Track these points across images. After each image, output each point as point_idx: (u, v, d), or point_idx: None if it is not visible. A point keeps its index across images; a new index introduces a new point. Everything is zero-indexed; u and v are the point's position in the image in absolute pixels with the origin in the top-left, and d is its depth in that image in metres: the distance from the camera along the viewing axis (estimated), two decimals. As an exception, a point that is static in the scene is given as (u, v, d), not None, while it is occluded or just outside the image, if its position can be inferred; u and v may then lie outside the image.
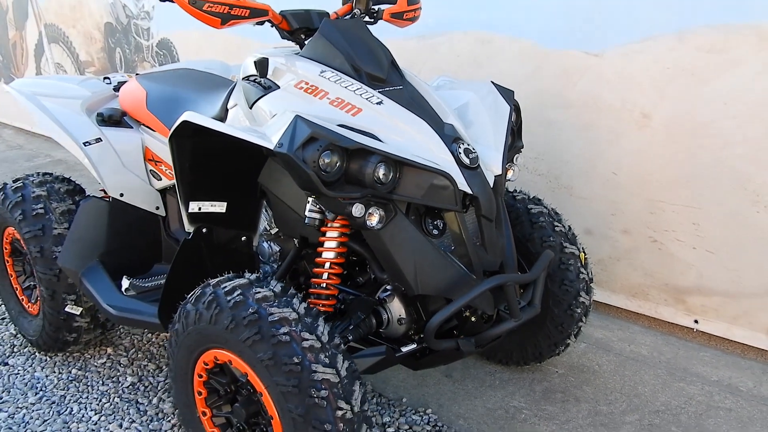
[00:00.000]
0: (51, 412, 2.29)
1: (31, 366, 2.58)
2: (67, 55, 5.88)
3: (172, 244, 2.48)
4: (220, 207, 2.01)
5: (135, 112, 2.49)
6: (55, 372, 2.53)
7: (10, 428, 2.21)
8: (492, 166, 1.81)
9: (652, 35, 2.47)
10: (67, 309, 2.40)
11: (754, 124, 2.29)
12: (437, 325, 1.68)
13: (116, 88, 2.68)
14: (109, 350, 2.67)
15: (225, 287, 1.63)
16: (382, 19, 2.21)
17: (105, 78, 2.81)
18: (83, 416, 2.27)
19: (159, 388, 2.42)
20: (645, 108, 2.54)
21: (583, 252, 2.24)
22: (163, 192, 2.48)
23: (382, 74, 1.87)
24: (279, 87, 1.88)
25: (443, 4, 3.07)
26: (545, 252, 1.95)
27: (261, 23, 1.98)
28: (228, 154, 1.94)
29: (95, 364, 2.58)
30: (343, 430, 1.49)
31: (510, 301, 1.77)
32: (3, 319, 2.94)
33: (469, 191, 1.70)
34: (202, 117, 1.73)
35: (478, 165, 1.76)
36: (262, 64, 1.92)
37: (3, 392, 2.41)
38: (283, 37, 2.10)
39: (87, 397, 2.37)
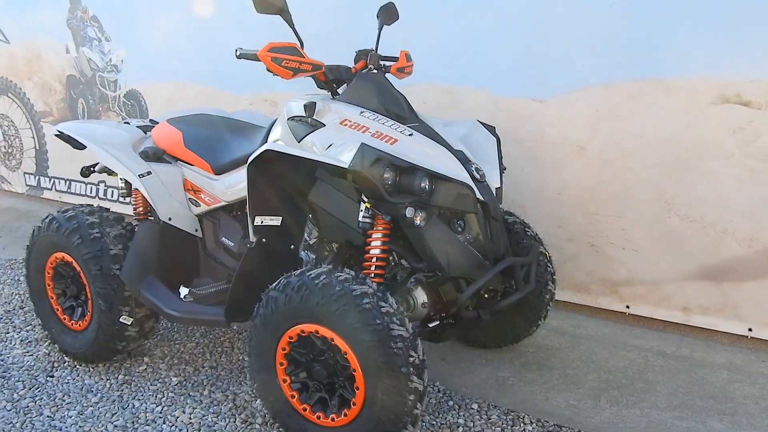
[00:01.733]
0: (116, 407, 2.64)
1: (78, 376, 2.89)
2: (17, 106, 6.07)
3: (209, 261, 2.91)
4: (276, 221, 2.50)
5: (173, 150, 2.93)
6: (102, 379, 2.86)
7: (85, 421, 2.55)
8: (492, 181, 2.43)
9: (585, 86, 3.22)
10: (121, 320, 2.77)
11: (665, 152, 3.06)
12: (467, 296, 2.25)
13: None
14: (146, 359, 3.03)
15: (310, 275, 2.14)
16: (389, 72, 2.80)
17: (125, 122, 3.23)
18: (146, 408, 2.63)
19: (205, 383, 2.81)
20: (581, 142, 3.27)
21: (547, 252, 2.89)
22: (200, 217, 2.93)
23: (404, 114, 2.46)
24: (324, 125, 2.43)
25: (426, 60, 3.72)
26: (534, 243, 2.58)
27: (313, 75, 2.50)
28: (284, 178, 2.45)
29: (137, 371, 2.94)
30: (413, 372, 2.02)
31: (516, 277, 2.38)
32: (30, 342, 3.21)
33: (482, 199, 2.32)
34: (283, 146, 2.25)
35: (485, 180, 2.38)
36: (310, 107, 2.45)
37: (63, 396, 2.72)
38: (319, 87, 2.63)
39: (142, 395, 2.73)
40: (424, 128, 2.44)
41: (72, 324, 2.95)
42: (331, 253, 2.65)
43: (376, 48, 2.76)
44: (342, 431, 2.16)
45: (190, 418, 2.55)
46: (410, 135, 2.34)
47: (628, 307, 3.32)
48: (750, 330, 3.01)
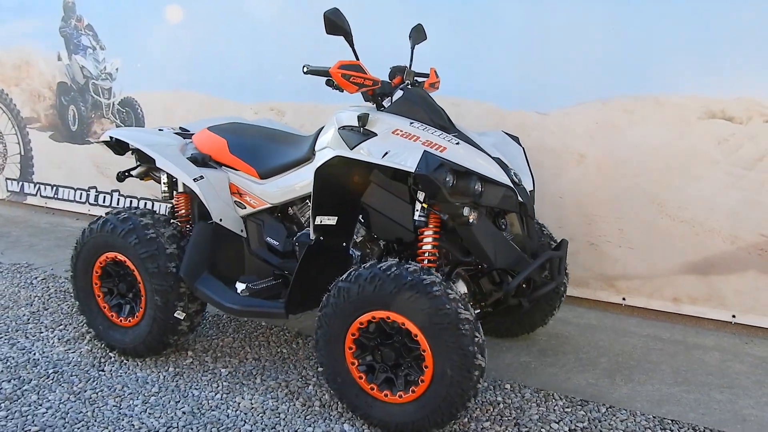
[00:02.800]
0: (177, 396, 2.81)
1: (129, 369, 3.04)
2: (2, 111, 6.05)
3: (253, 259, 3.12)
4: (332, 221, 2.74)
5: (219, 156, 3.13)
6: (154, 372, 3.02)
7: (153, 408, 2.72)
8: (526, 184, 2.75)
9: (584, 101, 3.59)
10: (175, 314, 2.95)
11: (657, 160, 3.45)
12: (515, 284, 2.56)
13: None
14: (190, 353, 3.20)
15: (381, 267, 2.40)
16: (408, 87, 3.06)
17: (160, 129, 3.41)
18: (206, 396, 2.81)
19: (254, 373, 3.02)
20: (581, 150, 3.64)
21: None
22: (244, 218, 3.13)
23: (446, 125, 2.75)
24: (376, 134, 2.69)
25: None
26: (563, 240, 2.91)
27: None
28: (341, 182, 2.69)
29: (184, 363, 3.11)
30: (477, 351, 2.30)
31: (552, 269, 2.70)
32: (69, 340, 3.33)
33: (521, 200, 2.63)
34: (350, 152, 2.50)
35: (521, 183, 2.69)
36: (363, 118, 2.71)
37: (122, 387, 2.88)
38: (366, 100, 2.88)
39: (198, 385, 2.91)
40: (463, 137, 2.74)
41: (120, 321, 3.10)
42: (376, 250, 2.91)
43: (410, 65, 3.04)
44: (409, 406, 2.42)
45: (252, 404, 2.75)
46: (457, 144, 2.63)
47: (624, 299, 3.70)
48: (734, 316, 3.43)
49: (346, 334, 2.48)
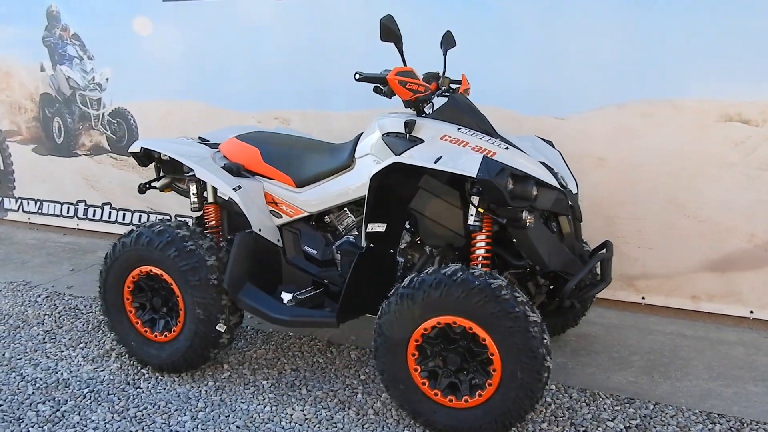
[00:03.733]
0: (226, 410, 2.75)
1: (167, 385, 2.96)
2: (-24, 123, 5.82)
3: (290, 269, 3.07)
4: (382, 227, 2.73)
5: (252, 165, 3.09)
6: (194, 387, 2.95)
7: (205, 424, 2.65)
8: (571, 187, 2.80)
9: (603, 106, 3.68)
10: (217, 327, 2.88)
11: (674, 163, 3.56)
12: (571, 286, 2.59)
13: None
14: (226, 366, 3.13)
15: (445, 272, 2.40)
16: (453, 93, 3.10)
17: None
18: (255, 409, 2.76)
19: (297, 384, 2.97)
20: (600, 154, 3.72)
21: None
22: (280, 228, 3.09)
23: (491, 130, 2.78)
24: (423, 140, 2.70)
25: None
26: (607, 241, 2.96)
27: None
28: (393, 189, 2.68)
29: (222, 377, 3.04)
30: (545, 353, 2.33)
31: (603, 270, 2.75)
32: (95, 359, 3.22)
33: (570, 203, 2.67)
34: (410, 158, 2.50)
35: (568, 186, 2.74)
36: (409, 125, 2.72)
37: (166, 404, 2.80)
38: (406, 106, 2.88)
39: (243, 398, 2.85)
40: (507, 142, 2.77)
41: (155, 336, 3.01)
42: (418, 256, 2.91)
43: (444, 71, 3.06)
44: (476, 410, 2.42)
45: (305, 415, 2.71)
46: (506, 148, 2.66)
47: (643, 298, 3.79)
48: (751, 312, 3.55)
49: (409, 340, 2.47)
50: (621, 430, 2.61)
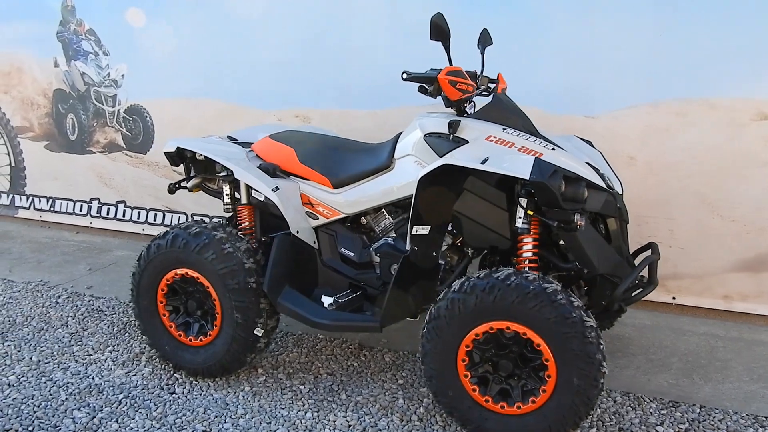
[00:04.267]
0: (266, 418, 2.70)
1: (203, 391, 2.90)
2: (-13, 119, 5.72)
3: (327, 271, 3.02)
4: (425, 230, 2.68)
5: (288, 166, 3.03)
6: (230, 392, 2.89)
7: (247, 431, 2.59)
8: (617, 188, 2.76)
9: (634, 104, 3.64)
10: (255, 332, 2.83)
11: (706, 163, 3.53)
12: (622, 290, 2.55)
13: None
14: (260, 371, 3.08)
15: (498, 276, 2.35)
16: (496, 92, 3.05)
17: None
18: (296, 416, 2.71)
19: (335, 389, 2.92)
20: (631, 153, 3.69)
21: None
22: (316, 229, 3.04)
23: (534, 130, 2.74)
24: (468, 141, 2.65)
25: (462, 80, 4.00)
26: (652, 243, 2.92)
27: (443, 94, 2.70)
28: (440, 190, 2.63)
29: (257, 382, 2.99)
30: (601, 359, 2.29)
31: (652, 273, 2.70)
32: (125, 363, 3.16)
33: (618, 205, 2.63)
34: (461, 159, 2.45)
35: (614, 187, 2.70)
36: (453, 126, 2.67)
37: (204, 410, 2.74)
38: (447, 105, 2.83)
39: (282, 404, 2.80)
40: (550, 143, 2.72)
41: (190, 340, 2.95)
42: (456, 259, 2.86)
43: (482, 70, 3.01)
44: (529, 417, 2.38)
45: (348, 421, 2.66)
46: (553, 149, 2.61)
47: (674, 298, 3.76)
48: (783, 311, 3.54)
49: (459, 346, 2.43)
50: (669, 434, 2.58)
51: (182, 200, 5.05)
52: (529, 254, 2.60)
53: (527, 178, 2.37)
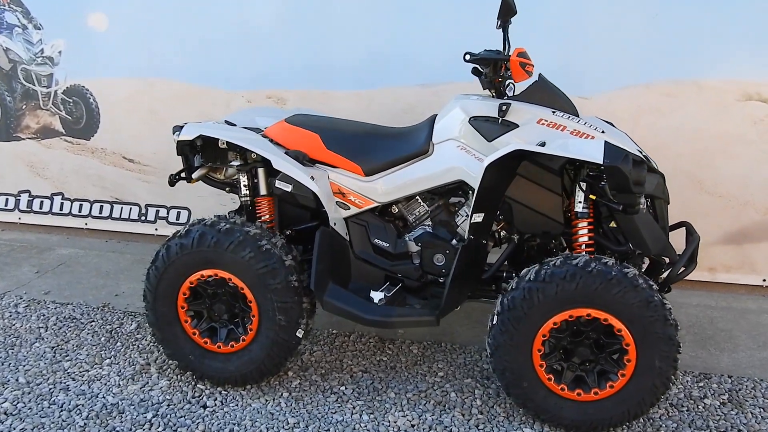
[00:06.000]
0: (323, 425, 2.52)
1: (239, 401, 2.66)
2: None
3: (359, 264, 2.86)
4: (479, 218, 2.59)
5: (314, 153, 2.82)
6: (268, 400, 2.68)
7: (310, 442, 2.41)
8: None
9: (627, 86, 3.72)
10: (297, 334, 2.62)
11: (697, 141, 3.68)
12: (678, 270, 2.59)
13: None
14: (290, 374, 2.87)
15: (576, 263, 2.31)
16: (540, 74, 2.95)
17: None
18: (353, 419, 2.55)
19: (379, 387, 2.78)
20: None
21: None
22: (346, 220, 2.86)
23: (576, 111, 2.71)
24: (518, 125, 2.59)
25: (450, 58, 3.90)
26: (687, 222, 2.97)
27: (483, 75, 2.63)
28: (501, 176, 2.54)
29: (292, 386, 2.79)
30: (679, 339, 2.32)
31: (695, 253, 2.76)
32: (133, 378, 2.84)
33: (664, 186, 2.68)
34: (530, 145, 2.37)
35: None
36: (503, 109, 2.59)
37: (252, 423, 2.52)
38: (486, 87, 2.73)
39: (331, 409, 2.63)
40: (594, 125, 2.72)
41: (218, 347, 2.69)
42: (491, 245, 2.80)
43: (507, 47, 2.92)
44: (607, 402, 2.38)
45: (410, 421, 2.54)
46: (602, 132, 2.60)
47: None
48: (764, 280, 3.79)
49: (535, 336, 2.37)
50: (718, 406, 2.68)
51: (134, 190, 4.62)
52: (586, 239, 2.58)
53: (601, 162, 2.33)
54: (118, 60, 4.40)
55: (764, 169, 3.64)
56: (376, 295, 2.64)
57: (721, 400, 2.71)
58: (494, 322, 2.43)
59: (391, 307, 2.64)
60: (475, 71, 2.64)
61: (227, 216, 2.76)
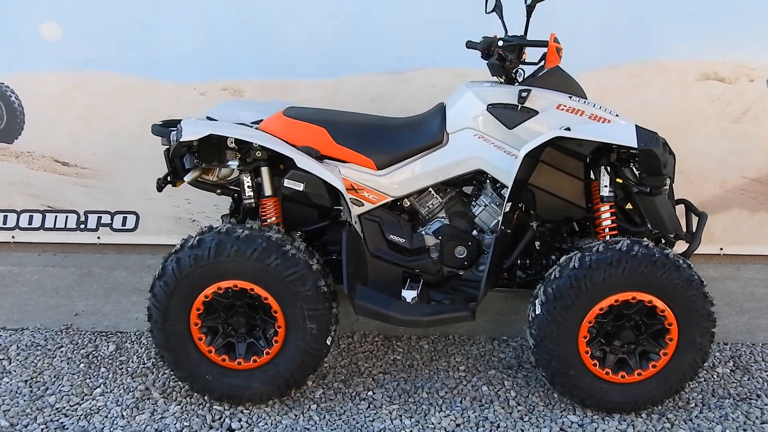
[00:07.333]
0: (366, 435, 2.39)
1: (263, 420, 2.47)
2: None
3: (375, 262, 2.73)
4: (508, 207, 2.54)
5: (322, 148, 2.65)
6: (298, 415, 2.51)
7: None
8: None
9: (595, 68, 3.80)
10: (327, 341, 2.47)
11: (661, 119, 3.82)
12: (696, 246, 2.67)
13: None
14: (310, 383, 2.70)
15: (620, 248, 2.32)
16: None
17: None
18: (395, 426, 2.44)
19: (407, 388, 2.68)
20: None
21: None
22: (359, 217, 2.72)
23: (585, 96, 2.73)
24: (537, 112, 2.56)
25: (421, 45, 3.82)
26: (685, 200, 3.05)
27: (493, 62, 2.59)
28: (532, 165, 2.50)
29: (316, 396, 2.63)
30: (712, 310, 2.39)
31: (700, 231, 2.83)
32: (137, 408, 2.57)
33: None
34: (568, 132, 2.34)
35: (665, 150, 2.80)
36: (522, 95, 2.55)
37: (292, 442, 2.34)
38: (495, 73, 2.67)
39: (368, 416, 2.50)
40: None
41: (239, 363, 2.47)
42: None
43: (526, 31, 2.87)
44: (650, 381, 2.42)
45: (454, 420, 2.47)
46: (617, 115, 2.63)
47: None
48: (721, 249, 4.02)
49: (581, 323, 2.37)
50: (729, 374, 2.81)
51: (70, 196, 4.17)
52: (609, 222, 2.60)
53: (635, 146, 2.35)
54: (46, 51, 3.91)
55: (721, 144, 3.85)
56: (409, 294, 2.54)
57: (729, 368, 2.85)
58: (538, 312, 2.39)
59: (425, 305, 2.55)
60: (485, 56, 2.60)
61: (232, 220, 2.54)
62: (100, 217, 4.22)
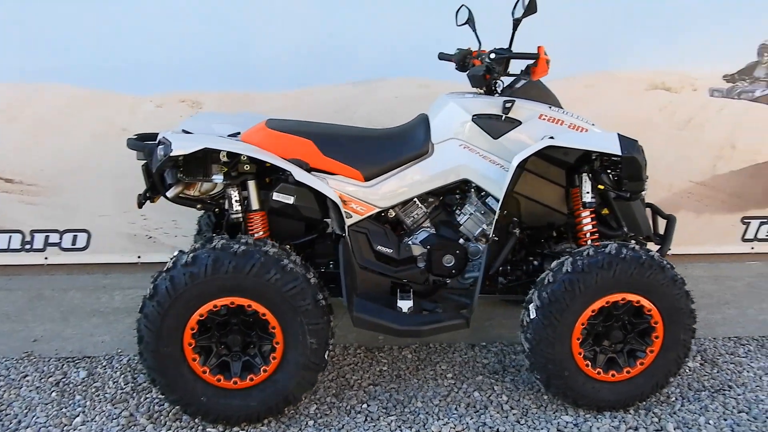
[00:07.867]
0: (371, 448, 2.37)
1: (263, 439, 2.41)
2: None
3: (363, 273, 2.73)
4: (499, 215, 2.60)
5: (312, 161, 2.62)
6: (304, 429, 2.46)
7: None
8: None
9: (552, 79, 3.92)
10: (325, 356, 2.44)
11: (614, 127, 3.90)
12: (668, 248, 2.80)
13: None
14: (303, 399, 2.66)
15: (608, 251, 2.41)
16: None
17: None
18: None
19: (402, 400, 2.68)
20: (550, 124, 3.99)
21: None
22: (348, 229, 2.71)
23: (561, 107, 2.83)
24: (521, 122, 2.64)
25: (385, 55, 3.84)
26: (651, 203, 3.19)
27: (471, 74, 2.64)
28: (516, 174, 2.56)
29: (310, 412, 2.59)
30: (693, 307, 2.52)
31: (671, 232, 2.97)
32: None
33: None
34: (565, 140, 2.42)
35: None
36: (506, 106, 2.62)
37: (297, 460, 2.29)
38: (476, 85, 2.72)
39: (366, 428, 2.48)
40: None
41: (234, 383, 2.40)
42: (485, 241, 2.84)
43: (479, 47, 2.99)
44: (638, 379, 2.53)
45: (453, 427, 2.48)
46: (593, 125, 2.74)
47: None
48: (669, 249, 4.23)
49: (575, 325, 2.44)
50: (699, 367, 2.96)
51: (14, 215, 3.94)
52: (590, 227, 2.70)
53: (620, 153, 2.46)
54: (-9, 62, 3.71)
55: (668, 150, 4.08)
56: (404, 304, 2.55)
57: (699, 362, 3.01)
58: (533, 316, 2.45)
59: (420, 315, 2.56)
60: (460, 67, 2.67)
61: (225, 235, 2.47)
62: (48, 236, 4.02)
